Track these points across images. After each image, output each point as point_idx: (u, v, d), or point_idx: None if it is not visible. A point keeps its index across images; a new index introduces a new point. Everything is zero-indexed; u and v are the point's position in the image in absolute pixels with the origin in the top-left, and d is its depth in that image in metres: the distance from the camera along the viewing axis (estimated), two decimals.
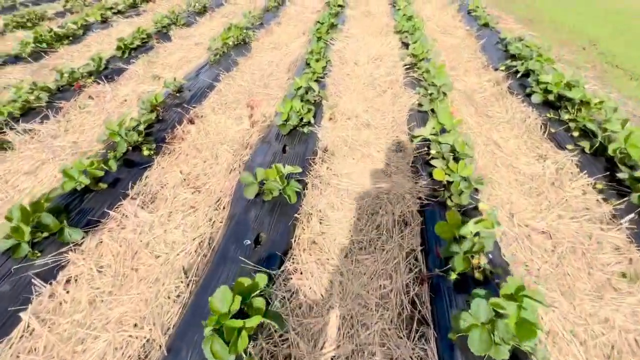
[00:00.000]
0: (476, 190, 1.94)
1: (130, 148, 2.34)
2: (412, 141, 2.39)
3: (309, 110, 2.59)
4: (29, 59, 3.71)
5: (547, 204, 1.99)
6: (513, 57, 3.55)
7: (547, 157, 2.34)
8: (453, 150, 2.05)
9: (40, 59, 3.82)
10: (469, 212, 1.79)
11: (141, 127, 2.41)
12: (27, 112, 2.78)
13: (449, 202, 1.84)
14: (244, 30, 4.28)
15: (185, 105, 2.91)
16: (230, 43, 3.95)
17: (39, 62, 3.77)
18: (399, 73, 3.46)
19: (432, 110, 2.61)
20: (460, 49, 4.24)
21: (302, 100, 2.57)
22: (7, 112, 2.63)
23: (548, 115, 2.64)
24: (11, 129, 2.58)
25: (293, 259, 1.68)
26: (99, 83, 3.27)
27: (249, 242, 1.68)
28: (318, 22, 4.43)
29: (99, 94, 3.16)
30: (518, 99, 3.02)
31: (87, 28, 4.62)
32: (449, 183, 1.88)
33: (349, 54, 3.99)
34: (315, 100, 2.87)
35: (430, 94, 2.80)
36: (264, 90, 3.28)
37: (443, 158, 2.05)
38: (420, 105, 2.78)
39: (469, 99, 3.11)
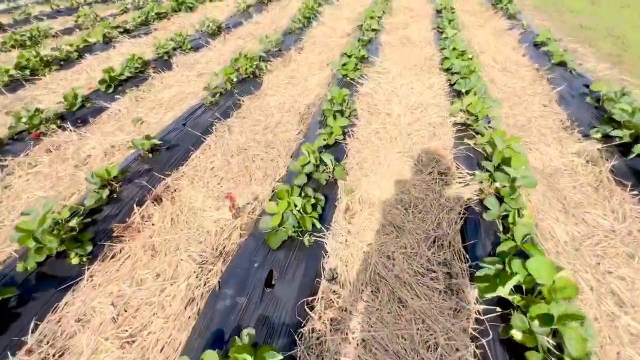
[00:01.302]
0: None
1: (54, 252, 1.64)
2: (474, 291, 1.49)
3: (315, 207, 1.77)
4: (3, 90, 3.20)
5: None
6: (612, 119, 2.52)
7: None
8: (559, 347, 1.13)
9: (19, 88, 3.31)
10: None
11: (74, 222, 1.71)
12: None
13: None
14: (256, 62, 3.56)
15: (157, 174, 2.19)
16: (235, 79, 3.24)
17: (16, 93, 3.26)
18: (447, 135, 2.56)
19: (506, 226, 1.69)
20: (527, 96, 3.24)
21: (303, 196, 1.74)
22: None
23: None
24: None
25: None
26: (64, 129, 2.66)
27: None
28: (345, 54, 3.62)
29: (61, 145, 2.53)
30: (632, 195, 2.02)
31: (85, 50, 4.13)
32: None
33: (380, 98, 3.13)
34: (327, 180, 2.05)
35: (497, 188, 1.88)
36: (265, 151, 2.50)
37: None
38: (482, 204, 1.86)
39: (552, 188, 2.14)
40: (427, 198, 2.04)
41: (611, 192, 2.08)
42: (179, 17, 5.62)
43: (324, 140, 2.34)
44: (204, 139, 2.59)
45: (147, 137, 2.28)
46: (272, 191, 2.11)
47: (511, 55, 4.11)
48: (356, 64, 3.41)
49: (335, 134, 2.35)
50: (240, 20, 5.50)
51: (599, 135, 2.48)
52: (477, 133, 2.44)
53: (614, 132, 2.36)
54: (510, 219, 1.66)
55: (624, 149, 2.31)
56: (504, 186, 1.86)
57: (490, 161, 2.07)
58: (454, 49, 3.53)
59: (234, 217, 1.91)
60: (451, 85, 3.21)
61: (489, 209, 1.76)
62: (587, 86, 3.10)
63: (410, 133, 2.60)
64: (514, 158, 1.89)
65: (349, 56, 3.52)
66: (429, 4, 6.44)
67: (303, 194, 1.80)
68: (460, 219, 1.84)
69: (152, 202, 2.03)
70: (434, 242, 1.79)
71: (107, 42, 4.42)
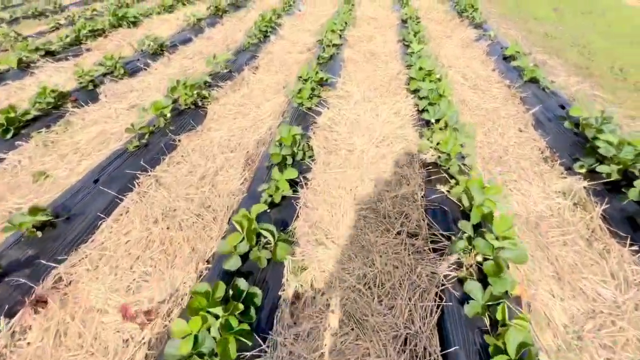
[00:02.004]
0: None
1: None
2: None
3: (247, 311, 1.31)
4: None
5: None
6: (595, 150, 2.24)
7: None
8: None
9: None
10: None
11: None
12: None
13: None
14: (198, 90, 3.06)
15: (45, 261, 1.65)
16: (170, 114, 2.72)
17: None
18: (416, 179, 2.18)
19: (493, 320, 1.31)
20: (502, 119, 2.96)
21: (227, 304, 1.28)
22: None
23: None
24: None
25: None
26: None
27: None
28: (300, 77, 3.19)
29: None
30: (632, 252, 1.71)
31: None
32: None
33: (341, 130, 2.73)
34: (269, 260, 1.60)
35: (478, 261, 1.51)
36: (197, 212, 2.01)
37: None
38: (461, 284, 1.48)
39: (541, 244, 1.80)
40: (396, 273, 1.64)
41: (607, 247, 1.77)
42: (118, 34, 4.98)
43: (269, 197, 1.90)
44: (121, 199, 2.07)
45: (34, 211, 1.73)
46: (199, 277, 1.63)
47: (481, 70, 3.85)
48: (313, 90, 2.99)
49: (282, 190, 1.91)
50: (190, 36, 4.95)
51: (583, 170, 2.19)
52: (450, 177, 2.08)
53: (600, 168, 2.07)
54: (499, 316, 1.28)
55: (614, 187, 2.03)
56: (487, 259, 1.50)
57: (468, 219, 1.70)
58: (421, 68, 3.20)
59: (140, 327, 1.42)
60: (419, 112, 2.86)
61: (470, 297, 1.38)
62: (563, 107, 2.86)
63: (375, 177, 2.21)
64: (497, 221, 1.52)
65: (305, 80, 3.10)
66: (394, 13, 6.18)
67: (231, 293, 1.35)
68: (437, 309, 1.45)
69: (33, 308, 1.50)
70: (405, 343, 1.38)
71: (25, 67, 3.76)
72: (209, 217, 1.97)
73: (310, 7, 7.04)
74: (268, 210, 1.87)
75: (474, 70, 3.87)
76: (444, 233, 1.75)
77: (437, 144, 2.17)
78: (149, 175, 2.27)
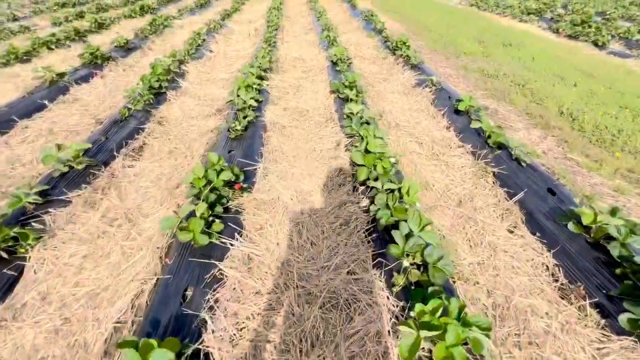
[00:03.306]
0: None
1: None
2: None
3: None
4: None
5: None
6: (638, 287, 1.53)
7: None
8: None
9: None
10: None
11: None
12: None
13: None
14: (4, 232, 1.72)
15: None
16: None
17: None
18: None
19: None
20: (481, 211, 2.19)
21: None
22: None
23: None
24: None
25: None
26: None
27: None
28: (194, 182, 2.04)
29: None
30: None
31: None
32: None
33: (252, 306, 1.65)
34: None
35: None
36: None
37: None
38: None
39: None
40: None
41: None
42: None
43: None
44: None
45: None
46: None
47: (434, 130, 3.16)
48: (208, 220, 1.86)
49: None
50: (42, 101, 3.46)
51: (628, 326, 1.45)
52: None
53: None
54: None
55: None
56: None
57: None
58: (367, 151, 2.32)
59: None
60: (375, 227, 1.93)
61: None
62: (553, 192, 2.20)
63: None
64: None
65: (198, 194, 1.96)
66: (322, 52, 5.44)
67: None
68: None
69: None
70: None
71: None
72: None
73: (224, 44, 5.99)
74: None
75: (425, 129, 3.17)
76: None
77: (420, 315, 1.21)
78: None
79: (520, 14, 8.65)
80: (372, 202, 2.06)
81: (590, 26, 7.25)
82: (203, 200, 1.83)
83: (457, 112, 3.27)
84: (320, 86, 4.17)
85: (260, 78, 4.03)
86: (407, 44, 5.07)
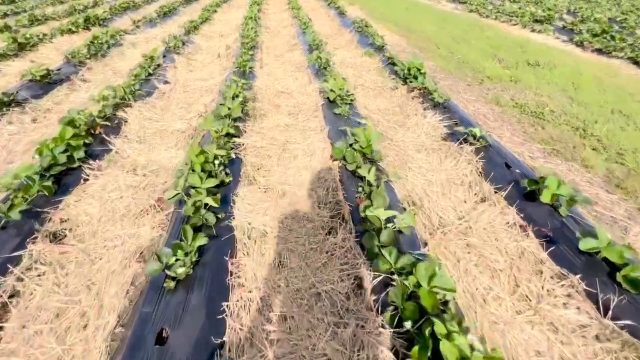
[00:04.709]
0: None
1: None
2: None
3: None
4: None
5: None
6: None
7: None
8: None
9: None
10: None
11: None
12: None
13: None
14: None
15: None
16: None
17: None
18: None
19: None
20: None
21: None
22: None
23: None
24: None
25: None
26: None
27: None
28: None
29: None
30: None
31: None
32: None
33: None
34: None
35: None
36: None
37: None
38: None
39: None
40: None
41: None
42: None
43: None
44: None
45: None
46: None
47: (504, 235, 2.00)
48: None
49: None
50: None
51: None
52: None
53: None
54: None
55: None
56: None
57: None
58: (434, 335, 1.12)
59: None
60: None
61: None
62: None
63: None
64: None
65: None
66: (313, 80, 4.21)
67: None
68: None
69: None
70: None
71: None
72: None
73: (185, 70, 4.66)
74: None
75: (489, 232, 2.01)
76: None
77: None
78: None
79: (529, 22, 7.72)
80: None
81: (613, 37, 6.37)
82: None
83: (531, 197, 2.13)
84: (315, 140, 2.94)
85: (230, 136, 2.77)
86: (422, 71, 3.93)
